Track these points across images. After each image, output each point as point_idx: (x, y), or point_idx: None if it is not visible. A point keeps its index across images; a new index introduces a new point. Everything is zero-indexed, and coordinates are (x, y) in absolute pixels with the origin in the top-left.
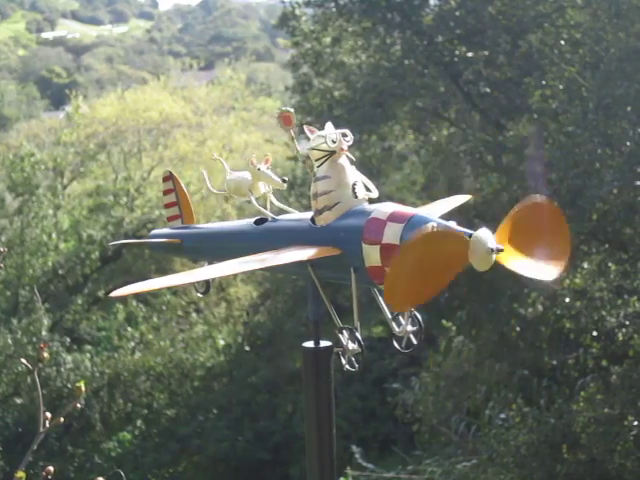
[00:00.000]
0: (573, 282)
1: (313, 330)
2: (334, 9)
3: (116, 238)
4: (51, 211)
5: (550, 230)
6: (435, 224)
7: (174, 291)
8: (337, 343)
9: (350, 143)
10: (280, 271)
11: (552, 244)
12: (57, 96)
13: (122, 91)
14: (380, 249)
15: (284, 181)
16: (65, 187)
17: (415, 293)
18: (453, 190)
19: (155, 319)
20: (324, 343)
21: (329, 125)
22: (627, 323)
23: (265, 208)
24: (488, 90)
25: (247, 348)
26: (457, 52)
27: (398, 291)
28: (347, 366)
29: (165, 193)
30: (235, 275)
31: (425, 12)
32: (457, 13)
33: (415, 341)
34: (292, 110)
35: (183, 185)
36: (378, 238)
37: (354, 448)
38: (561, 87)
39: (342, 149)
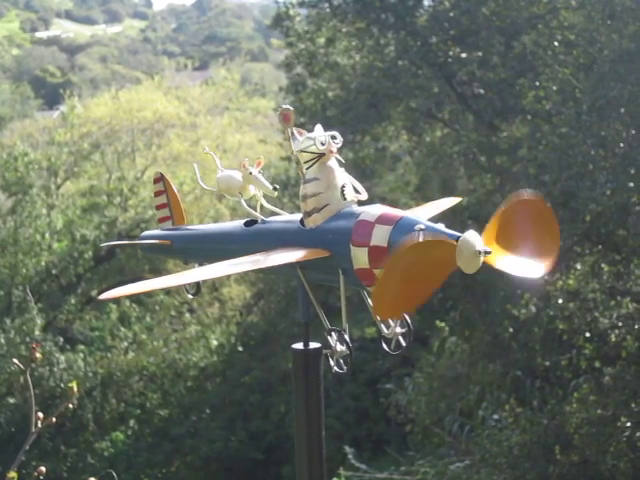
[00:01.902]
0: (566, 283)
1: (303, 331)
2: (328, 10)
3: (109, 238)
4: (44, 211)
5: (538, 226)
6: (423, 226)
7: (167, 291)
8: (326, 345)
9: (339, 145)
10: (270, 272)
11: (540, 240)
12: (51, 96)
13: (116, 91)
14: (368, 251)
15: (275, 189)
16: (59, 187)
17: (403, 302)
18: (446, 191)
19: (148, 319)
20: (313, 344)
21: (318, 127)
22: (620, 324)
23: (255, 209)
24: (482, 91)
25: (240, 348)
26: (451, 53)
27: (386, 301)
28: (335, 368)
29: (156, 195)
30: (228, 275)
31: (419, 13)
32: (451, 14)
33: (404, 343)
34: (292, 108)
35: (174, 186)
36: (366, 240)
37: (347, 448)
38: (555, 88)
39: (331, 151)
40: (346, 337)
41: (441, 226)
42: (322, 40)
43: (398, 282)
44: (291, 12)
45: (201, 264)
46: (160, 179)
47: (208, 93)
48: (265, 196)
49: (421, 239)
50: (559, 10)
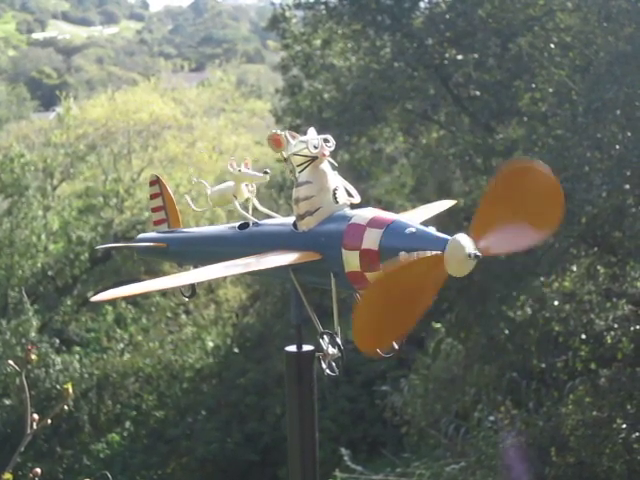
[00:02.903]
0: (562, 285)
1: (296, 334)
2: (324, 11)
3: (105, 239)
4: (41, 212)
5: (538, 197)
6: (414, 229)
7: (163, 293)
8: (318, 347)
9: (332, 148)
10: (263, 275)
11: (539, 211)
12: (47, 97)
13: (112, 92)
14: (359, 254)
15: (265, 172)
16: (55, 188)
17: (389, 330)
18: (442, 193)
19: (144, 320)
20: (306, 347)
21: (311, 130)
22: (616, 326)
23: (248, 212)
24: (478, 93)
25: (236, 350)
26: (447, 55)
27: (369, 333)
28: (327, 371)
29: (152, 197)
30: (222, 278)
31: (415, 15)
32: (447, 16)
33: (396, 346)
34: (282, 133)
35: (169, 189)
36: (358, 243)
37: (343, 450)
38: (551, 90)
39: (324, 154)
40: (338, 340)
41: (432, 229)
42: (318, 42)
43: (380, 310)
44: (287, 14)
45: (196, 266)
46: (156, 182)
47: (204, 95)
48: (265, 197)
49: (401, 262)
50: (555, 12)
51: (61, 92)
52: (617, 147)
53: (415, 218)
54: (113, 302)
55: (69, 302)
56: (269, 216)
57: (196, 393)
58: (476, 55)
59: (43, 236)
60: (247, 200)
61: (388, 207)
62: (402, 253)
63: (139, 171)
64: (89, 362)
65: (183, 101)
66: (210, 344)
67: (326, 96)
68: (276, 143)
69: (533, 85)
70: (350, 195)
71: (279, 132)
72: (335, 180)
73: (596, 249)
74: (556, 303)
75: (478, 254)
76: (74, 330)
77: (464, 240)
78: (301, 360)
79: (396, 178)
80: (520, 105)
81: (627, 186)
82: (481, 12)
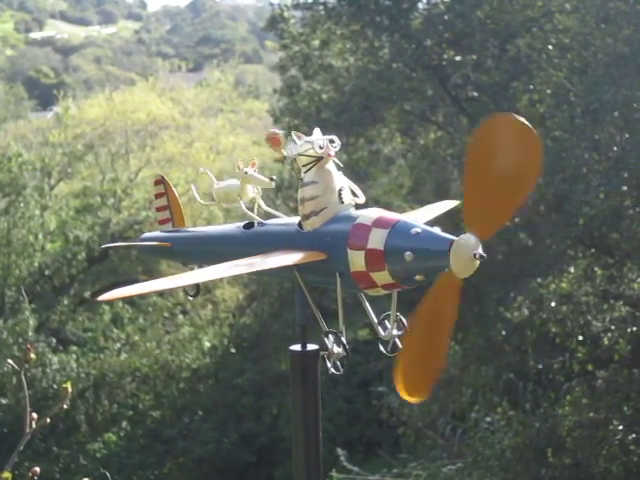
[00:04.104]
0: (559, 286)
1: (300, 333)
2: (323, 12)
3: (103, 239)
4: (38, 212)
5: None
6: (419, 230)
7: (160, 293)
8: (323, 346)
9: (337, 149)
10: (267, 275)
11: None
12: (45, 96)
13: (110, 92)
14: (365, 254)
15: (272, 179)
16: (52, 188)
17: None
18: (440, 193)
19: (141, 320)
20: (311, 346)
21: (317, 131)
22: (613, 328)
23: (253, 212)
24: (476, 94)
25: (233, 350)
26: (445, 56)
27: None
28: (332, 369)
29: (156, 197)
30: (226, 277)
31: (414, 16)
32: (446, 17)
33: (400, 345)
34: (281, 132)
35: (174, 189)
36: (363, 243)
37: (339, 451)
38: (549, 92)
39: (329, 155)
40: (343, 339)
41: (437, 230)
42: (316, 42)
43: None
44: (286, 14)
45: (201, 266)
46: (161, 181)
47: (202, 95)
48: (263, 198)
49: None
50: (553, 13)
51: (59, 92)
52: (615, 149)
53: (419, 218)
54: (110, 302)
55: (66, 302)
56: (273, 216)
57: (193, 393)
58: (474, 56)
59: (40, 235)
60: (252, 200)
61: (386, 208)
62: (407, 253)
63: (137, 171)
64: (86, 362)
65: (181, 101)
66: (207, 344)
67: (324, 96)
68: (274, 142)
69: (531, 86)
70: (355, 195)
71: (277, 131)
72: (340, 180)
73: (593, 250)
74: (553, 304)
75: (483, 254)
76: (71, 330)
77: (470, 240)
78: (305, 359)
79: (394, 179)
80: (518, 106)
81: (625, 188)
82: (479, 13)
